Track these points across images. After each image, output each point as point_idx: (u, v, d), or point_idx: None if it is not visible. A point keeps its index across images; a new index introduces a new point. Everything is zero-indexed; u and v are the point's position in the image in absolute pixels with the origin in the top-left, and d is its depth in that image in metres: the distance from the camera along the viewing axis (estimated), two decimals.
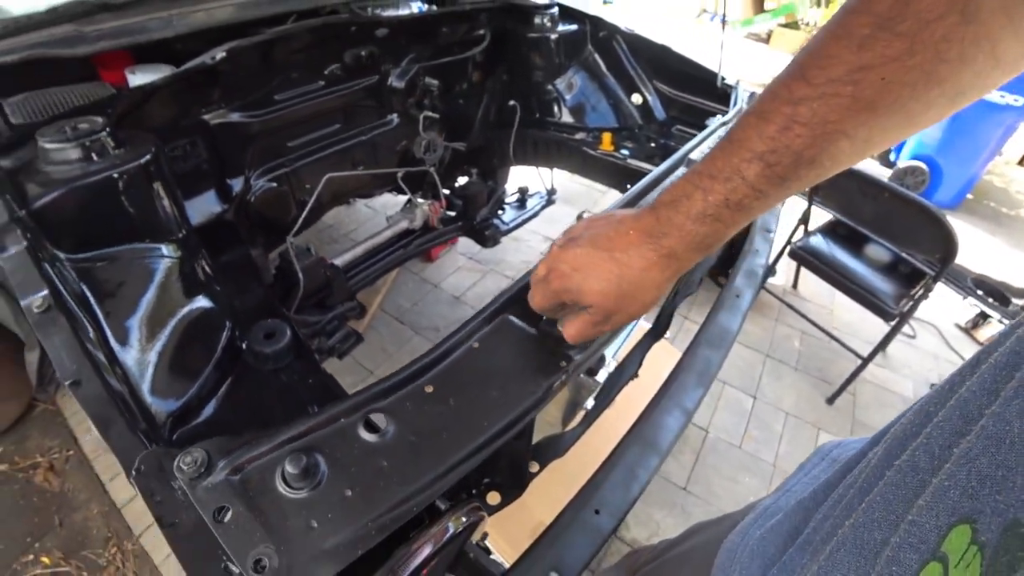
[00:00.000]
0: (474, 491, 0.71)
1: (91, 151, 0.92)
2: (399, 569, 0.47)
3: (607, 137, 1.74)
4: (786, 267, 2.46)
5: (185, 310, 0.98)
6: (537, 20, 1.72)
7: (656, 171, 1.00)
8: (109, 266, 0.94)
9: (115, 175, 0.92)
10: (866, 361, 1.92)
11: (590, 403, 0.73)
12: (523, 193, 2.16)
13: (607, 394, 0.96)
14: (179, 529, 0.47)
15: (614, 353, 0.69)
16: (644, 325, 0.99)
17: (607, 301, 0.47)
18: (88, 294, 0.87)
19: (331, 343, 1.59)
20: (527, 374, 0.56)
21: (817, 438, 1.92)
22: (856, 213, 1.92)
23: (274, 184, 1.50)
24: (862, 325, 2.34)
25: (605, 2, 5.06)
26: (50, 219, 0.87)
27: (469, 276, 2.52)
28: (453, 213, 2.01)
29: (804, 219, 2.13)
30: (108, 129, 0.95)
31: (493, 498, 0.75)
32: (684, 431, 0.93)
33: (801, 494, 0.48)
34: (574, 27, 1.77)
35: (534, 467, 0.77)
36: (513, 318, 0.62)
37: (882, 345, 1.88)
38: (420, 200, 1.85)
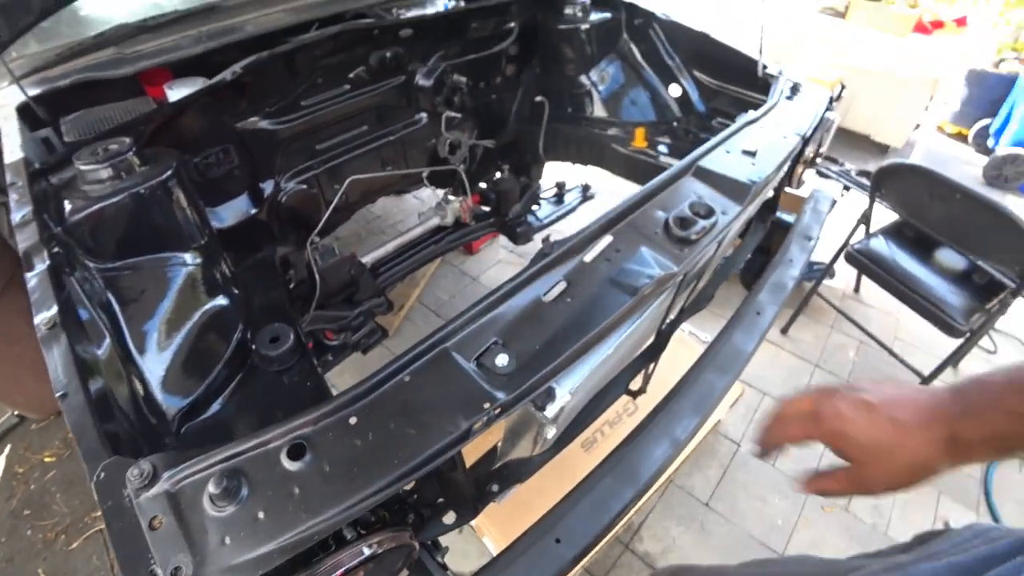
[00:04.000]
0: (426, 511, 0.75)
1: (120, 170, 1.03)
2: None
3: (640, 132, 1.69)
4: (847, 268, 2.27)
5: (201, 312, 1.08)
6: (568, 10, 1.69)
7: (664, 175, 0.97)
8: (134, 274, 1.05)
9: (139, 192, 1.03)
10: (926, 381, 1.75)
11: (551, 433, 0.74)
12: (560, 188, 2.15)
13: (577, 423, 0.95)
14: (120, 531, 0.55)
15: (573, 387, 0.69)
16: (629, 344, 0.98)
17: (874, 460, 0.47)
18: (113, 301, 0.99)
19: (356, 338, 1.68)
20: (450, 412, 0.58)
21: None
22: (923, 215, 1.75)
23: (304, 186, 1.59)
24: (933, 338, 2.12)
25: None
26: (83, 233, 0.99)
27: (510, 270, 2.55)
28: (487, 209, 2.03)
29: (865, 218, 1.96)
30: (134, 149, 1.06)
31: (450, 517, 0.79)
32: (672, 461, 0.91)
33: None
34: (607, 15, 1.72)
35: (494, 488, 0.79)
36: (453, 353, 0.64)
37: (947, 363, 1.72)
38: (452, 197, 1.89)
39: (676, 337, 1.54)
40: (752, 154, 1.05)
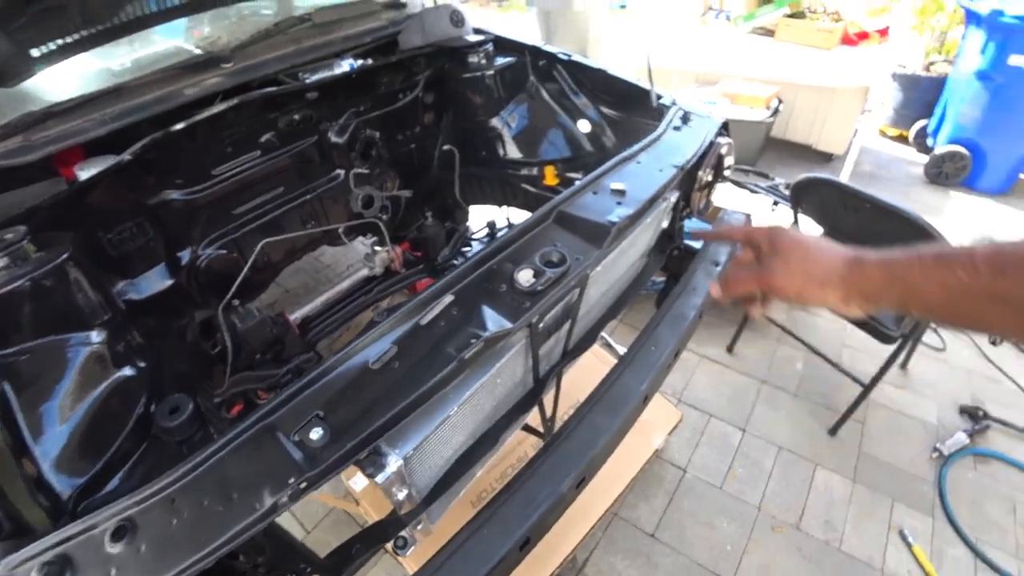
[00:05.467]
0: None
1: (15, 258, 1.09)
2: None
3: (549, 171, 1.78)
4: None
5: (101, 389, 1.14)
6: (472, 59, 1.80)
7: (524, 223, 1.03)
8: (31, 359, 1.11)
9: (33, 278, 1.09)
10: (867, 389, 1.81)
11: (401, 494, 0.78)
12: (491, 227, 2.22)
13: (455, 475, 0.99)
14: None
15: (407, 452, 0.74)
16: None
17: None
18: (7, 387, 1.04)
19: None
20: (258, 488, 0.63)
21: (813, 476, 1.83)
22: (840, 226, 1.83)
23: (223, 251, 1.66)
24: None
25: (622, 6, 5.05)
26: None
27: None
28: (419, 254, 2.11)
29: None
30: (28, 237, 1.12)
31: None
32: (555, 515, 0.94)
33: None
34: (511, 60, 1.83)
35: (356, 549, 0.83)
36: (280, 434, 0.69)
37: (882, 373, 1.78)
38: (378, 248, 1.96)
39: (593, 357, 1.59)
40: (621, 192, 1.12)
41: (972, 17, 3.02)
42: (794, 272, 0.62)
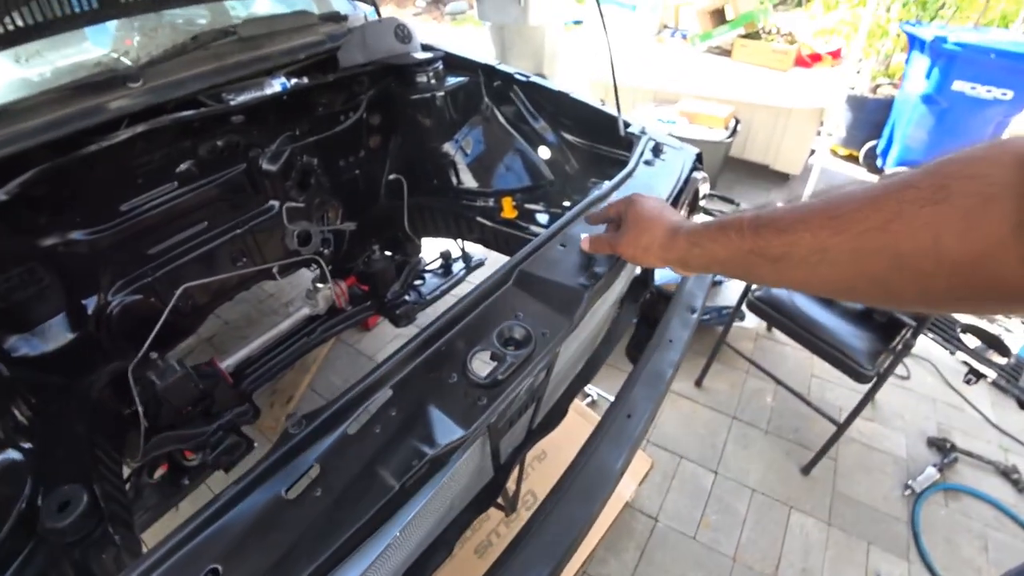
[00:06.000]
0: None
1: None
2: None
3: (507, 203, 1.66)
4: None
5: None
6: (420, 79, 1.66)
7: (481, 288, 0.89)
8: None
9: None
10: (841, 428, 1.76)
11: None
12: (446, 259, 2.08)
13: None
14: None
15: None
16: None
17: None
18: None
19: (215, 455, 1.52)
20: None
21: (788, 520, 1.76)
22: None
23: (138, 296, 1.45)
24: None
25: (577, 22, 5.01)
26: None
27: None
28: (366, 289, 1.93)
29: None
30: None
31: None
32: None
33: None
34: (463, 79, 1.69)
35: None
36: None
37: (856, 412, 1.73)
38: (319, 284, 1.78)
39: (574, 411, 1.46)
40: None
41: (915, 42, 3.11)
42: (631, 240, 0.76)
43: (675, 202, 1.34)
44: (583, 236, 0.86)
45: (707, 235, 0.63)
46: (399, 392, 0.68)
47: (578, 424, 1.71)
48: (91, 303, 1.41)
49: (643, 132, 1.51)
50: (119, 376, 1.44)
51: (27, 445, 1.05)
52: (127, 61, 1.52)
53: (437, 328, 0.76)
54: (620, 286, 1.22)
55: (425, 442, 0.62)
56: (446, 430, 0.64)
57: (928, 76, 3.01)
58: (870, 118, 3.48)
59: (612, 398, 1.09)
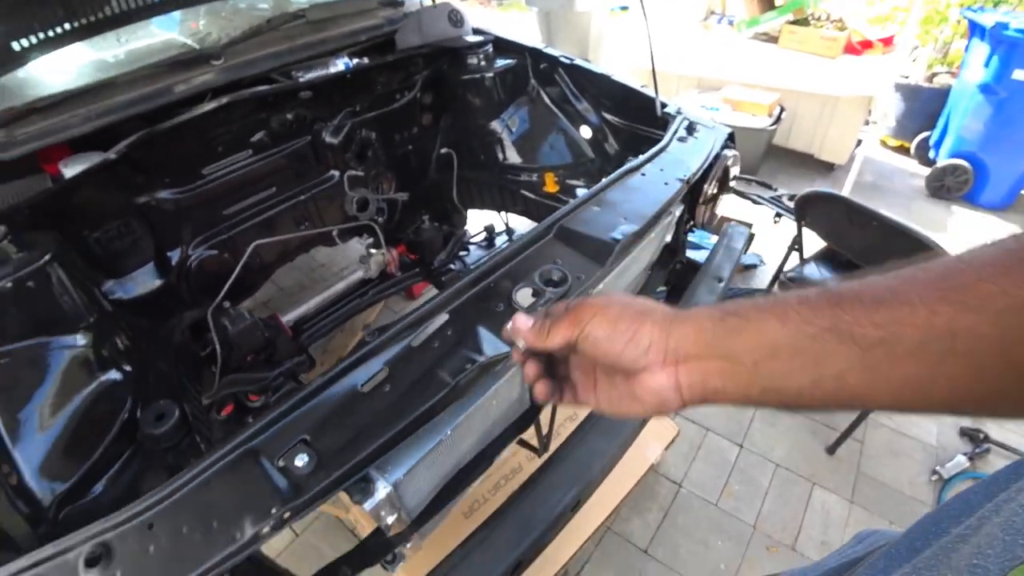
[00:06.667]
0: None
1: None
2: None
3: (550, 177, 1.75)
4: None
5: (85, 394, 1.11)
6: (471, 60, 1.77)
7: (523, 238, 1.01)
8: (12, 362, 1.08)
9: (12, 281, 1.06)
10: (844, 436, 1.80)
11: (391, 519, 0.76)
12: (489, 232, 2.20)
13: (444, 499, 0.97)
14: None
15: (397, 478, 0.71)
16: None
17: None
18: None
19: (275, 399, 1.69)
20: (240, 517, 0.60)
21: (810, 495, 1.82)
22: (845, 242, 1.82)
23: (214, 251, 1.63)
24: None
25: (623, 8, 5.03)
26: None
27: None
28: (414, 258, 2.08)
29: (796, 244, 2.03)
30: (9, 236, 1.09)
31: None
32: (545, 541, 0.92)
33: (830, 564, 0.57)
34: (511, 61, 1.80)
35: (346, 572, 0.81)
36: (261, 454, 0.66)
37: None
38: (373, 250, 1.93)
39: None
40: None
41: (976, 29, 3.02)
42: (603, 337, 0.47)
43: (703, 178, 1.42)
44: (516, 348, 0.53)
45: (750, 308, 0.42)
46: (454, 317, 0.81)
47: None
48: (174, 256, 1.60)
49: (678, 112, 1.59)
50: (196, 322, 1.64)
51: (127, 368, 1.22)
52: (193, 43, 1.70)
53: (485, 269, 0.88)
54: (651, 249, 1.31)
55: (476, 352, 0.75)
56: (494, 346, 0.77)
57: (987, 64, 2.93)
58: (924, 108, 3.40)
59: None
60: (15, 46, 1.36)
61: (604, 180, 1.16)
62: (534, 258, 0.94)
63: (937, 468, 1.89)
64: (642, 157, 1.29)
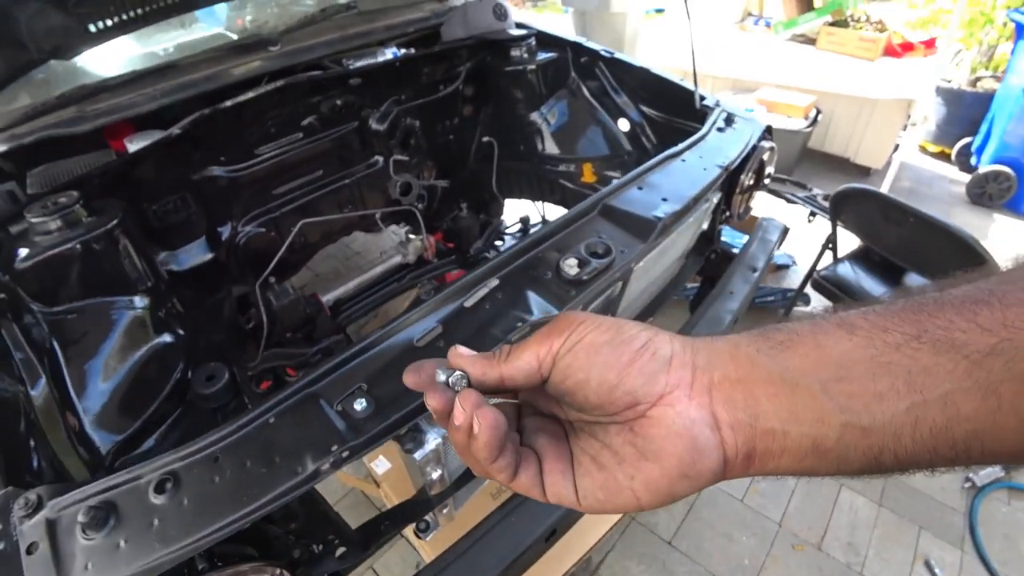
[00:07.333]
0: (317, 547, 0.80)
1: (68, 222, 1.12)
2: None
3: (587, 168, 1.77)
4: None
5: (142, 352, 1.17)
6: (514, 52, 1.80)
7: (569, 214, 1.03)
8: (78, 318, 1.14)
9: (84, 241, 1.12)
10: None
11: (435, 474, 0.78)
12: (524, 223, 2.22)
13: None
14: (3, 554, 0.61)
15: (445, 431, 0.74)
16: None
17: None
18: (55, 343, 1.07)
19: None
20: (301, 454, 0.64)
21: (838, 496, 1.79)
22: (881, 239, 1.79)
23: (262, 229, 1.68)
24: None
25: (658, 10, 5.01)
26: (30, 280, 1.08)
27: None
28: (451, 245, 2.11)
29: (830, 243, 2.01)
30: (81, 202, 1.15)
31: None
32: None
33: None
34: (553, 55, 1.82)
35: (386, 525, 0.83)
36: (320, 397, 0.69)
37: None
38: (412, 235, 1.97)
39: None
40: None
41: (1022, 31, 2.93)
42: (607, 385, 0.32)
43: (740, 168, 1.42)
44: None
45: (796, 324, 0.31)
46: (504, 282, 0.84)
47: None
48: (224, 231, 1.66)
49: (717, 104, 1.59)
50: (240, 298, 1.70)
51: (180, 332, 1.28)
52: (251, 30, 1.77)
53: (533, 240, 0.91)
54: (688, 235, 1.32)
55: (526, 312, 0.78)
56: (542, 308, 0.79)
57: None
58: (966, 113, 3.31)
59: None
60: (91, 28, 1.44)
61: (646, 164, 1.18)
62: (579, 232, 0.97)
63: (970, 475, 1.84)
64: (682, 144, 1.30)
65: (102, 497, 0.62)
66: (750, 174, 1.46)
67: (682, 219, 1.10)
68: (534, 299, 0.81)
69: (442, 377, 0.36)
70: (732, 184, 1.43)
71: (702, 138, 1.37)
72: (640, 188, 1.11)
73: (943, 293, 0.28)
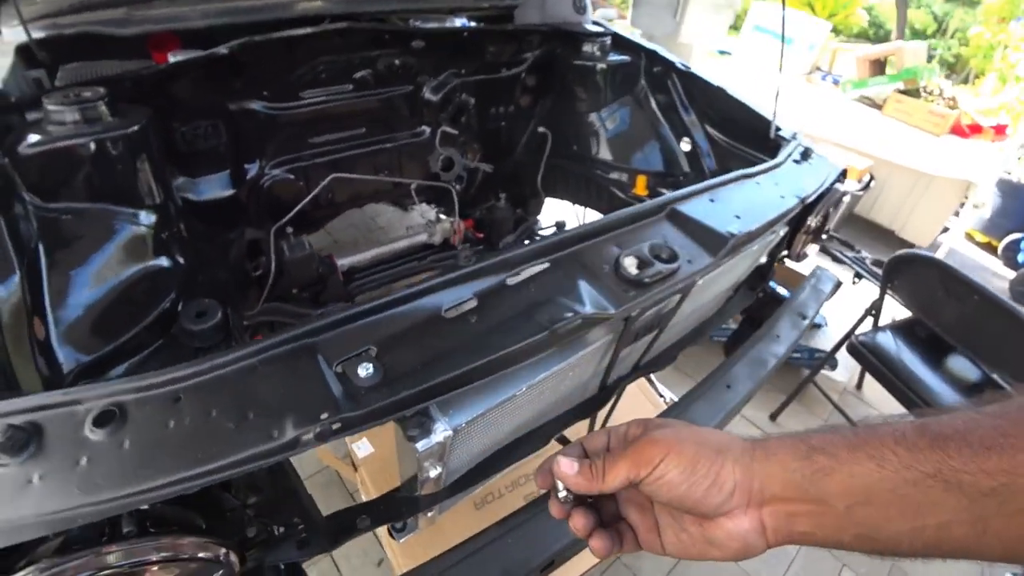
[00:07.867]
0: (282, 528, 0.66)
1: (87, 116, 1.01)
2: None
3: (642, 180, 1.65)
4: (852, 362, 2.15)
5: (133, 272, 1.04)
6: (586, 47, 1.69)
7: (631, 210, 0.89)
8: (74, 219, 1.03)
9: (99, 140, 1.00)
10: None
11: (433, 472, 0.65)
12: (559, 227, 2.09)
13: (483, 471, 0.85)
14: None
15: (459, 424, 0.60)
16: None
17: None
18: (40, 242, 0.95)
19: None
20: (282, 415, 0.50)
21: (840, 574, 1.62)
22: (936, 314, 1.64)
23: (290, 176, 1.57)
24: None
25: (721, 52, 4.91)
26: (32, 169, 0.96)
27: None
28: (480, 235, 1.99)
29: (875, 309, 1.86)
30: (106, 99, 1.04)
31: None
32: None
33: None
34: (626, 59, 1.71)
35: (363, 521, 0.70)
36: (318, 351, 0.56)
37: None
38: (443, 216, 1.85)
39: (640, 391, 1.40)
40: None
41: None
42: (673, 469, 0.41)
43: (810, 207, 1.29)
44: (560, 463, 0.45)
45: (840, 444, 0.38)
46: (556, 266, 0.70)
47: (646, 409, 1.67)
48: (251, 170, 1.54)
49: (794, 136, 1.47)
50: (252, 242, 1.58)
51: (180, 260, 1.16)
52: None
53: (592, 230, 0.78)
54: (745, 264, 1.19)
55: (578, 304, 0.64)
56: (596, 303, 0.66)
57: None
58: (1021, 208, 3.17)
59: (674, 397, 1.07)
60: None
61: (719, 177, 1.05)
62: (642, 232, 0.83)
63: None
64: (758, 167, 1.18)
65: (28, 417, 0.49)
66: (819, 216, 1.33)
67: (751, 242, 0.97)
68: (587, 291, 0.68)
69: (562, 494, 0.45)
70: (800, 221, 1.30)
71: (778, 165, 1.24)
72: (712, 200, 0.97)
73: (967, 428, 0.34)
